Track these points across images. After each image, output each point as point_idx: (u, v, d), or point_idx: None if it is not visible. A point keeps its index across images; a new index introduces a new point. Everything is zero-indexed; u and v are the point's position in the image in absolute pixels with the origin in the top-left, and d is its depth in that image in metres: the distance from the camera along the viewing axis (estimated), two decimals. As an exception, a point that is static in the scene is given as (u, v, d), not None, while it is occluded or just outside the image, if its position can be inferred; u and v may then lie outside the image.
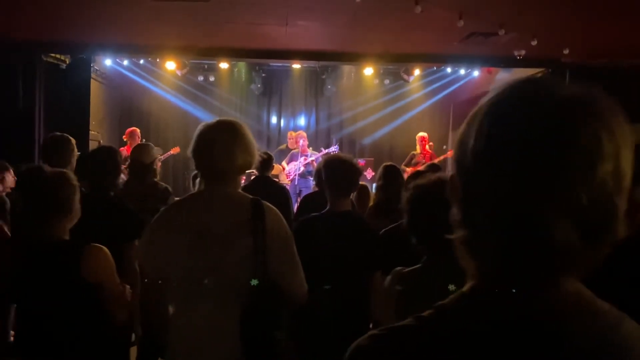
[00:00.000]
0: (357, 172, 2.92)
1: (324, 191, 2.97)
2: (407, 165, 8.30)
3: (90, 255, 2.14)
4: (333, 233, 2.76)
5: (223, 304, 1.87)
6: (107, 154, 3.24)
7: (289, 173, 8.21)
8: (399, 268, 1.86)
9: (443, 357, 0.65)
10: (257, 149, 2.08)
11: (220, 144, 1.97)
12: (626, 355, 0.65)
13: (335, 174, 2.90)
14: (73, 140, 3.71)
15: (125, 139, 8.16)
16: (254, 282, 1.84)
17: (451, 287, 1.53)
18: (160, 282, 2.03)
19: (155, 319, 2.09)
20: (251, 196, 2.00)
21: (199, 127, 2.04)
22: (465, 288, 0.72)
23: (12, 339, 4.43)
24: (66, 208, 2.23)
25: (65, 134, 3.78)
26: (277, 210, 2.02)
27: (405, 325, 0.69)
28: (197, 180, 3.75)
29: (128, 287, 2.32)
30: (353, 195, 4.69)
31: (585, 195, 0.62)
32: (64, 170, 2.29)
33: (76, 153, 3.66)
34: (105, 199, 3.04)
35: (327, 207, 2.90)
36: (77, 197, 2.28)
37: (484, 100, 0.71)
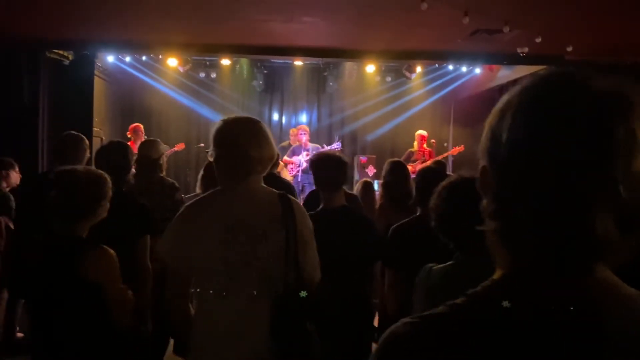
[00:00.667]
0: (342, 165, 2.96)
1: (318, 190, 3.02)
2: (406, 162, 8.30)
3: (93, 256, 2.16)
4: (329, 228, 2.77)
5: (254, 298, 1.89)
6: (119, 149, 3.25)
7: (292, 169, 8.21)
8: (430, 265, 1.87)
9: (477, 343, 0.65)
10: (275, 145, 2.11)
11: (239, 138, 1.99)
12: None
13: (320, 171, 2.96)
14: (86, 140, 3.73)
15: (129, 135, 8.16)
16: (303, 294, 1.86)
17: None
18: (183, 277, 2.03)
19: (179, 315, 2.08)
20: (278, 191, 2.03)
21: (218, 124, 2.05)
22: (496, 276, 0.72)
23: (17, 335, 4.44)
24: (91, 212, 2.25)
25: (79, 133, 3.81)
26: (299, 203, 2.06)
27: (438, 313, 0.70)
28: (200, 179, 3.80)
29: (130, 292, 2.32)
30: (358, 191, 4.72)
31: (624, 187, 0.63)
32: (99, 173, 2.30)
33: (88, 154, 3.68)
34: (119, 194, 3.05)
35: (321, 205, 2.93)
36: (107, 201, 2.30)
37: (514, 91, 0.72)
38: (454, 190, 1.81)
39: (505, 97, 0.72)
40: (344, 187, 3.06)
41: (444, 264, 1.83)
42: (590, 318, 0.65)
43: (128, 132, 8.26)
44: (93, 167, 2.33)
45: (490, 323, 0.66)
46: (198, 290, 1.98)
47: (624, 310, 0.67)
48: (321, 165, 2.97)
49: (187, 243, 1.98)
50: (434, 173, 2.98)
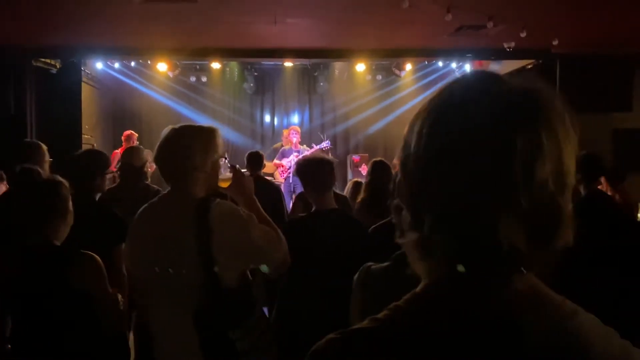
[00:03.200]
0: (327, 167, 2.92)
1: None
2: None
3: (81, 264, 2.14)
4: (320, 232, 2.76)
5: (180, 307, 1.88)
6: (91, 157, 3.24)
7: (282, 172, 8.20)
8: (368, 264, 1.86)
9: (399, 358, 0.65)
10: (217, 152, 2.05)
11: (163, 148, 2.00)
12: (581, 344, 0.66)
13: (307, 174, 2.93)
14: (44, 146, 3.71)
15: (123, 140, 8.20)
16: (264, 267, 1.84)
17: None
18: (143, 283, 2.06)
19: (141, 320, 2.12)
20: (202, 196, 1.97)
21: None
22: (418, 289, 0.72)
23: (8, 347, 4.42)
24: (62, 212, 2.23)
25: (35, 140, 3.81)
26: (230, 206, 1.97)
27: (361, 328, 0.69)
28: None
29: (120, 296, 2.32)
30: (348, 191, 4.72)
31: (525, 198, 0.62)
32: (54, 175, 2.29)
33: (48, 159, 3.66)
34: (90, 203, 3.04)
35: (313, 209, 2.92)
36: (69, 202, 2.28)
37: (425, 101, 0.72)
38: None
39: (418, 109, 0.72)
40: (337, 188, 3.04)
41: (383, 264, 1.81)
42: (504, 328, 0.65)
43: (122, 137, 8.28)
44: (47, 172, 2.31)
45: (411, 339, 0.66)
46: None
47: (542, 318, 0.67)
48: (306, 168, 2.94)
49: (132, 254, 2.06)
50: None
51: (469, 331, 0.65)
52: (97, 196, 3.39)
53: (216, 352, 1.86)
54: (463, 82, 0.70)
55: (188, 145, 1.98)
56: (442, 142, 0.66)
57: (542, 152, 0.63)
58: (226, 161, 2.17)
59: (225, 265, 1.87)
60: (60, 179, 2.26)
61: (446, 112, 0.68)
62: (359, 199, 3.85)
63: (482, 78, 0.69)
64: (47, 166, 3.64)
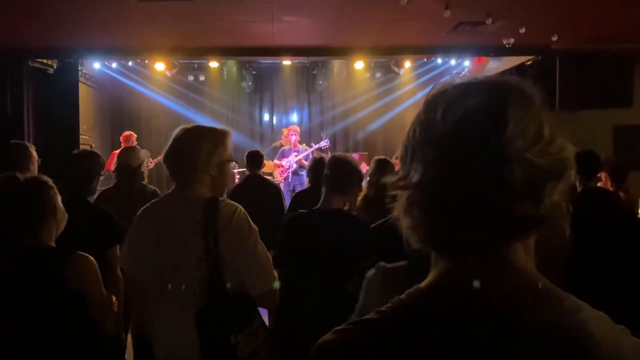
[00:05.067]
0: (359, 178, 2.90)
1: (321, 187, 2.94)
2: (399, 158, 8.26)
3: (75, 264, 2.11)
4: (323, 228, 2.73)
5: (183, 307, 1.88)
6: (86, 159, 3.22)
7: (282, 172, 8.17)
8: (382, 263, 1.84)
9: (399, 352, 0.67)
10: (226, 152, 2.05)
11: (174, 145, 2.02)
12: (586, 341, 0.65)
13: (338, 172, 2.86)
14: (32, 147, 3.69)
15: (121, 141, 8.17)
16: (276, 284, 1.83)
17: None
18: (140, 284, 2.05)
19: (141, 321, 2.11)
20: (210, 196, 1.97)
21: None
22: (423, 283, 0.74)
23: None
24: (50, 212, 2.20)
25: (22, 142, 3.81)
26: (238, 209, 1.97)
27: (367, 320, 0.71)
28: None
29: (114, 297, 2.30)
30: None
31: (514, 169, 0.64)
32: (38, 175, 2.27)
33: (35, 159, 3.64)
34: (84, 204, 3.01)
35: (319, 204, 2.87)
36: (59, 199, 2.25)
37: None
38: None
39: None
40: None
41: (399, 263, 1.80)
42: (506, 323, 0.66)
43: (121, 138, 8.25)
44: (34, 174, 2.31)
45: (412, 332, 0.67)
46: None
47: (548, 316, 0.66)
48: (337, 166, 2.87)
49: (133, 250, 2.05)
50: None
51: (469, 324, 0.66)
52: (93, 197, 3.36)
53: (216, 356, 1.84)
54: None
55: (196, 145, 1.98)
56: (436, 133, 0.68)
57: (522, 127, 0.65)
58: (236, 165, 2.17)
59: (231, 268, 1.85)
60: (45, 178, 2.24)
61: (441, 103, 0.70)
62: (361, 196, 3.82)
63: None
64: (35, 167, 3.62)
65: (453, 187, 0.65)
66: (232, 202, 1.99)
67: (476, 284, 0.67)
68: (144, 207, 2.12)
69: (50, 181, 2.25)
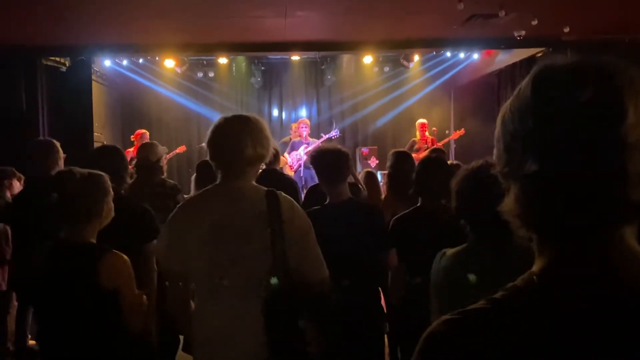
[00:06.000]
0: (343, 157, 2.91)
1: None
2: (409, 152, 8.26)
3: (109, 262, 2.13)
4: (335, 222, 2.75)
5: (245, 296, 1.88)
6: (112, 153, 3.24)
7: (292, 164, 8.19)
8: (444, 249, 1.88)
9: (520, 339, 0.65)
10: (272, 143, 2.08)
11: (229, 136, 2.00)
12: None
13: (322, 165, 2.92)
14: (57, 143, 3.72)
15: (132, 140, 8.20)
16: (274, 280, 1.85)
17: (472, 277, 1.56)
18: (183, 278, 2.04)
19: (180, 317, 2.11)
20: (266, 188, 2.01)
21: (214, 123, 2.07)
22: (535, 268, 0.72)
23: (29, 342, 4.46)
24: (95, 212, 2.21)
25: (48, 138, 3.84)
26: (294, 201, 2.03)
27: (479, 309, 0.69)
28: (193, 181, 3.81)
29: (145, 296, 2.32)
30: (363, 182, 4.71)
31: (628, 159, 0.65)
32: (98, 172, 2.28)
33: (62, 155, 3.68)
34: (120, 199, 3.04)
35: (327, 200, 2.91)
36: (110, 199, 2.27)
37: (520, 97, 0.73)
38: (477, 174, 1.80)
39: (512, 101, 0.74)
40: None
41: (457, 248, 1.83)
42: (628, 311, 0.65)
43: (133, 137, 8.28)
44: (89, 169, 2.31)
45: (531, 321, 0.66)
46: (194, 291, 2.00)
47: None
48: (321, 159, 2.93)
49: (178, 243, 2.01)
50: (433, 163, 2.96)
51: (596, 312, 0.65)
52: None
53: (285, 342, 1.86)
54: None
55: (247, 136, 1.97)
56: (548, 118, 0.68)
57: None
58: None
59: (293, 256, 1.89)
60: (101, 176, 2.24)
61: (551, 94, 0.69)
62: (384, 192, 3.84)
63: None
64: (62, 162, 3.67)
65: (574, 176, 0.66)
66: (287, 195, 2.02)
67: (599, 265, 0.68)
68: (186, 200, 2.13)
69: (106, 180, 2.25)
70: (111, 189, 2.28)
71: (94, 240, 2.21)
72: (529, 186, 0.69)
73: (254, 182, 2.07)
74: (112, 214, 2.28)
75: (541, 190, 0.68)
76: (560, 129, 0.66)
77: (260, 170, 5.33)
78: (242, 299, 1.89)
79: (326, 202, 2.91)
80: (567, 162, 0.66)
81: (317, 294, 1.98)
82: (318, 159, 2.96)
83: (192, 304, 2.09)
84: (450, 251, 1.85)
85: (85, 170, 2.25)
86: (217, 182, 2.07)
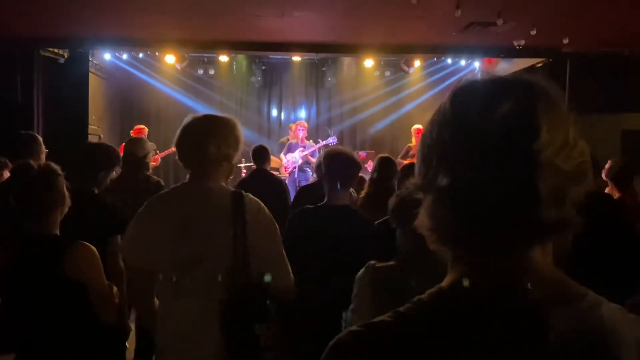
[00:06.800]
0: (357, 167, 2.89)
1: (323, 184, 2.95)
2: (404, 157, 8.24)
3: (76, 253, 2.12)
4: (329, 225, 2.73)
5: (205, 297, 1.87)
6: (96, 152, 3.24)
7: (287, 165, 8.18)
8: (372, 262, 1.86)
9: (422, 352, 0.66)
10: (241, 142, 2.06)
11: (194, 135, 1.99)
12: (607, 336, 0.67)
13: (336, 167, 2.86)
14: (39, 138, 3.78)
15: (132, 135, 8.20)
16: (267, 277, 1.83)
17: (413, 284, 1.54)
18: (145, 274, 2.03)
19: (143, 312, 2.10)
20: (233, 189, 2.00)
21: (184, 120, 2.07)
22: (444, 283, 0.73)
23: None
24: (59, 200, 2.22)
25: (32, 132, 3.89)
26: (261, 203, 2.01)
27: (384, 321, 0.70)
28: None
29: (115, 287, 2.31)
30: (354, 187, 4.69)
31: (543, 174, 0.64)
32: (49, 162, 2.28)
33: (44, 150, 3.71)
34: (87, 194, 3.02)
35: (325, 200, 2.88)
36: (65, 187, 2.27)
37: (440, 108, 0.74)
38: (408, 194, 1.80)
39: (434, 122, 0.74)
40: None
41: (387, 263, 1.82)
42: (529, 324, 0.66)
43: (132, 132, 8.28)
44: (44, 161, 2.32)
45: (434, 334, 0.67)
46: (157, 288, 1.98)
47: (566, 311, 0.68)
48: (338, 161, 2.87)
49: (143, 242, 2.01)
50: (413, 169, 2.94)
51: (495, 325, 0.66)
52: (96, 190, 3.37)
53: (240, 345, 1.84)
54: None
55: (212, 136, 1.97)
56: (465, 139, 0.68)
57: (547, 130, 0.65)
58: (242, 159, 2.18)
59: (256, 259, 1.87)
60: (55, 167, 2.25)
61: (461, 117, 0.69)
62: (363, 193, 3.82)
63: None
64: (43, 156, 3.69)
65: (485, 191, 0.65)
66: (252, 196, 2.00)
67: (502, 282, 0.68)
68: (154, 197, 2.11)
69: (59, 169, 2.26)
70: (64, 179, 2.27)
71: (57, 232, 2.20)
72: (440, 199, 0.69)
73: (222, 182, 2.06)
74: (69, 202, 2.27)
75: (451, 203, 0.68)
76: (474, 143, 0.66)
77: (251, 170, 5.35)
78: (203, 299, 1.87)
79: (323, 203, 2.88)
80: (478, 176, 0.65)
81: (279, 301, 1.95)
82: (334, 158, 2.90)
83: (156, 301, 2.07)
84: (380, 265, 1.83)
85: (42, 162, 2.25)
86: (186, 181, 2.06)
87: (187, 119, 2.05)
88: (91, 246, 2.16)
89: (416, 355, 0.66)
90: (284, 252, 2.02)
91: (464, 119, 0.68)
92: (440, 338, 0.66)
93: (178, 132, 2.05)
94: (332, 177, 2.87)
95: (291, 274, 2.02)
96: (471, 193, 0.66)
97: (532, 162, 0.64)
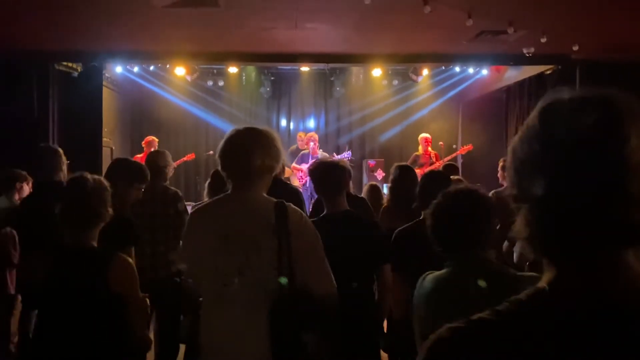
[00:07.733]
0: (339, 170, 2.97)
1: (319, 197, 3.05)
2: (412, 166, 8.25)
3: (119, 266, 2.16)
4: (331, 233, 2.76)
5: (250, 306, 1.89)
6: (118, 166, 3.30)
7: (301, 177, 8.22)
8: (427, 272, 1.88)
9: (523, 350, 0.69)
10: (282, 154, 2.10)
11: (239, 147, 2.02)
12: None
13: (319, 177, 2.99)
14: (60, 150, 3.83)
15: (143, 146, 8.29)
16: (283, 280, 1.85)
17: (482, 283, 1.56)
18: (193, 281, 2.07)
19: (189, 319, 2.14)
20: (275, 199, 2.03)
21: (227, 134, 2.10)
22: (541, 283, 0.75)
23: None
24: (106, 215, 2.26)
25: (53, 145, 3.92)
26: (303, 212, 2.05)
27: (484, 318, 0.73)
28: (207, 187, 3.85)
29: (148, 300, 2.34)
30: (365, 195, 4.72)
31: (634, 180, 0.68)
32: (101, 177, 2.32)
33: (65, 161, 3.76)
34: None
35: (324, 211, 2.95)
36: (110, 204, 2.32)
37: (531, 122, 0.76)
38: (451, 200, 1.82)
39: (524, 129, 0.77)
40: (353, 192, 3.06)
41: (438, 272, 1.84)
42: (633, 325, 0.68)
43: (143, 143, 8.36)
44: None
45: (535, 332, 0.69)
46: (203, 298, 2.02)
47: None
48: (317, 172, 3.00)
49: (190, 253, 2.06)
50: (437, 177, 2.97)
51: (594, 330, 0.68)
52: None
53: (288, 355, 1.86)
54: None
55: (258, 148, 2.00)
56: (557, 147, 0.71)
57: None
58: None
59: (300, 269, 1.91)
60: (106, 183, 2.29)
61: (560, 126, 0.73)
62: (385, 203, 3.85)
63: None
64: (65, 168, 3.73)
65: (580, 198, 0.69)
66: (295, 206, 2.04)
67: (598, 286, 0.71)
68: (198, 208, 2.15)
69: (108, 186, 2.30)
70: (110, 196, 2.32)
71: (95, 244, 2.24)
72: (536, 208, 0.72)
73: (264, 193, 2.08)
74: (108, 219, 2.31)
75: (547, 211, 0.71)
76: (566, 152, 0.70)
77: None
78: (247, 309, 1.90)
79: (323, 214, 2.94)
80: (571, 184, 0.69)
81: (323, 308, 1.98)
82: (314, 171, 3.04)
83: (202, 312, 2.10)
84: (430, 275, 1.85)
85: (96, 176, 2.29)
86: (228, 191, 2.08)
87: (230, 132, 2.08)
88: (128, 258, 2.19)
89: (519, 353, 0.69)
90: (326, 259, 2.04)
91: (553, 130, 0.72)
92: (542, 336, 0.69)
93: (221, 144, 2.07)
94: (321, 188, 3.01)
95: (334, 281, 2.04)
96: (565, 200, 0.69)
97: (624, 167, 0.67)
